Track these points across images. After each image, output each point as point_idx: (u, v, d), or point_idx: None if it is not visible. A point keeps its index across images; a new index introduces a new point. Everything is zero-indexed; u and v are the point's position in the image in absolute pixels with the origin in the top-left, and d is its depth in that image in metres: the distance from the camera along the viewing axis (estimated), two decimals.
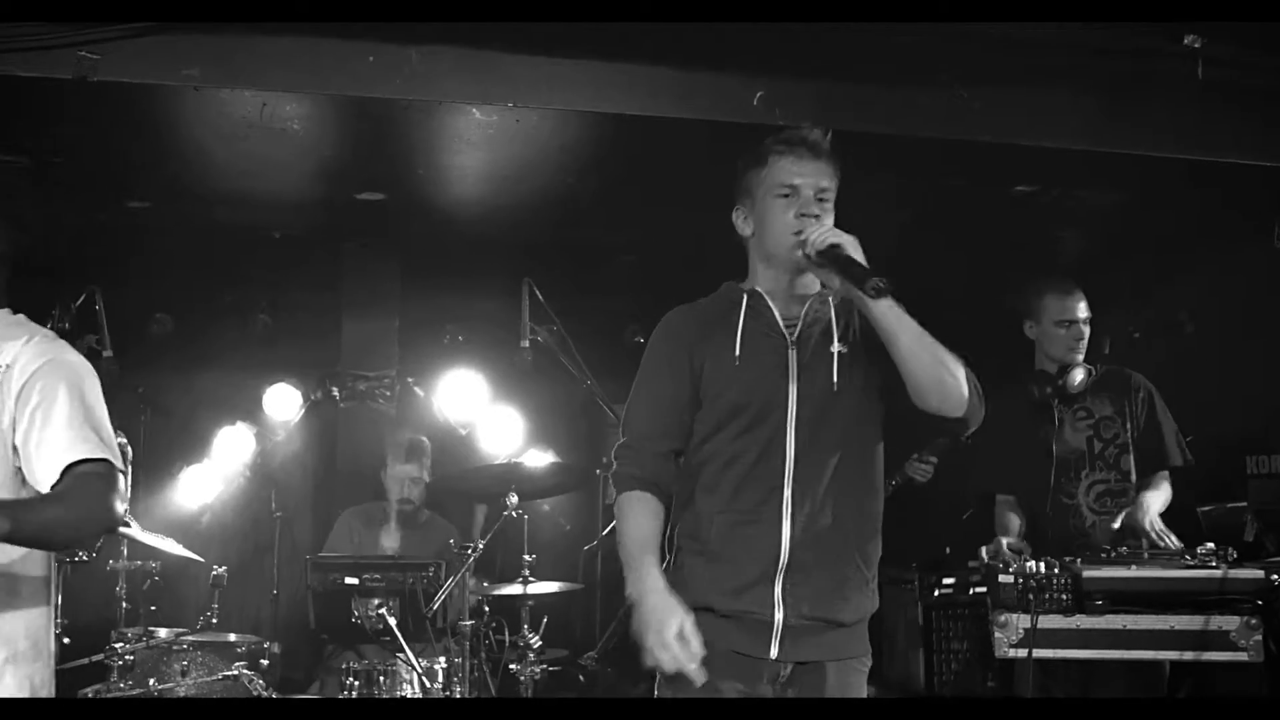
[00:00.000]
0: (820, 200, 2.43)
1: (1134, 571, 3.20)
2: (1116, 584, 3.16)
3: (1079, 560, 3.26)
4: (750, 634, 2.34)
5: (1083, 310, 3.76)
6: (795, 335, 2.44)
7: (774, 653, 2.33)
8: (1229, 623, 3.10)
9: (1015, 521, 3.74)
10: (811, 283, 2.49)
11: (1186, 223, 4.84)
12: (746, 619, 2.34)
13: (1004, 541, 3.54)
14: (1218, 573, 3.14)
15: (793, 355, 2.42)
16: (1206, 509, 3.98)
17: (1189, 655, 3.14)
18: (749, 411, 2.38)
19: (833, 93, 4.01)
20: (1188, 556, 3.23)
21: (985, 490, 3.89)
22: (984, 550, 3.54)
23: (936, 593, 5.34)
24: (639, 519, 2.40)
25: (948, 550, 5.02)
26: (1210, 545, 3.23)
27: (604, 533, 4.72)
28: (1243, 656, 3.10)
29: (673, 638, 2.25)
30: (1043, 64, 4.01)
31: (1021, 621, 3.15)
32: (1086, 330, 3.75)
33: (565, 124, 4.01)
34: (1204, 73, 3.96)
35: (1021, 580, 3.18)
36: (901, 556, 5.81)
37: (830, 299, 2.48)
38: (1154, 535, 3.45)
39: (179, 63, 3.53)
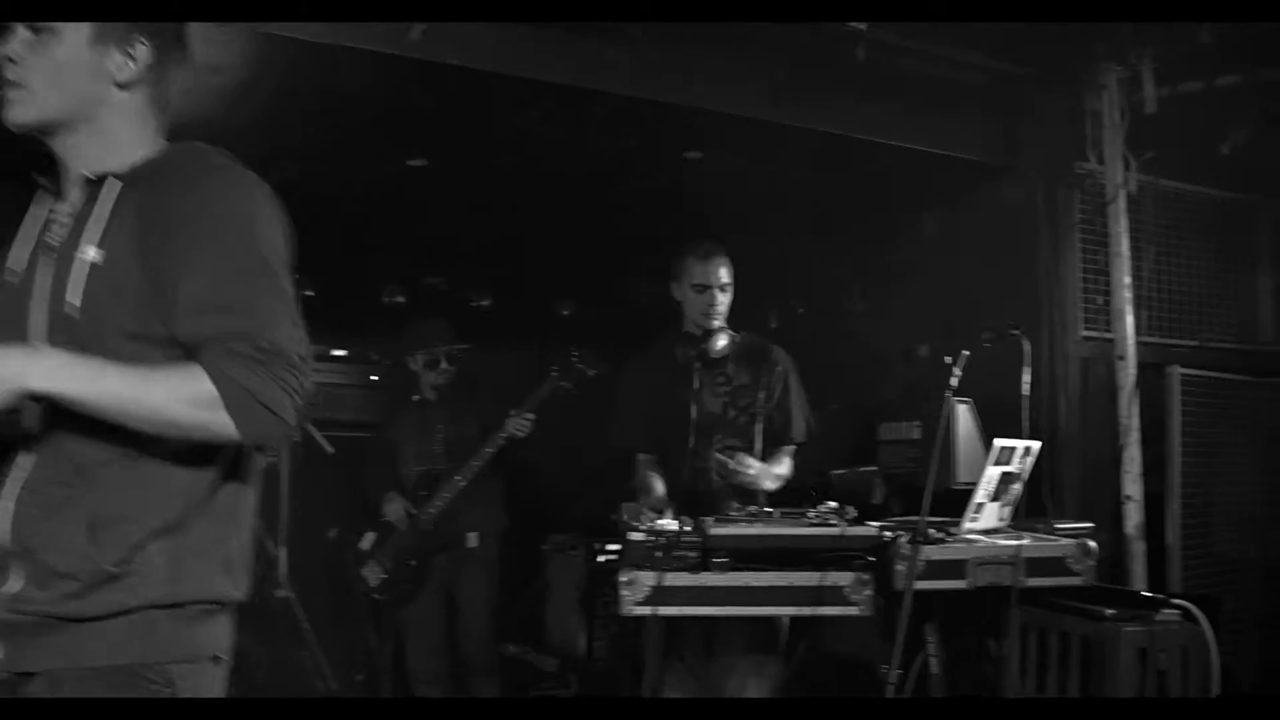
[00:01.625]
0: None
1: (758, 529, 3.28)
2: (741, 541, 3.23)
3: (711, 519, 3.32)
4: None
5: (722, 276, 3.78)
6: (61, 234, 1.84)
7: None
8: (843, 578, 3.22)
9: (657, 481, 3.77)
10: (114, 148, 1.86)
11: (850, 200, 5.07)
12: None
13: (645, 501, 3.56)
14: (836, 530, 3.27)
15: (42, 264, 1.83)
16: (840, 472, 4.16)
17: (806, 610, 3.25)
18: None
19: (507, 36, 3.91)
20: (810, 515, 3.35)
21: (626, 448, 3.91)
22: (623, 509, 3.56)
23: (600, 558, 5.40)
24: None
25: (614, 517, 5.09)
26: (832, 504, 3.35)
27: None
28: (854, 610, 3.23)
29: None
30: (718, 33, 4.07)
31: (649, 579, 3.17)
32: (724, 297, 3.79)
33: None
34: (866, 56, 4.14)
35: (651, 538, 3.21)
36: (570, 524, 5.87)
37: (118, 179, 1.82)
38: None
39: None
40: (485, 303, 6.54)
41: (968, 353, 3.16)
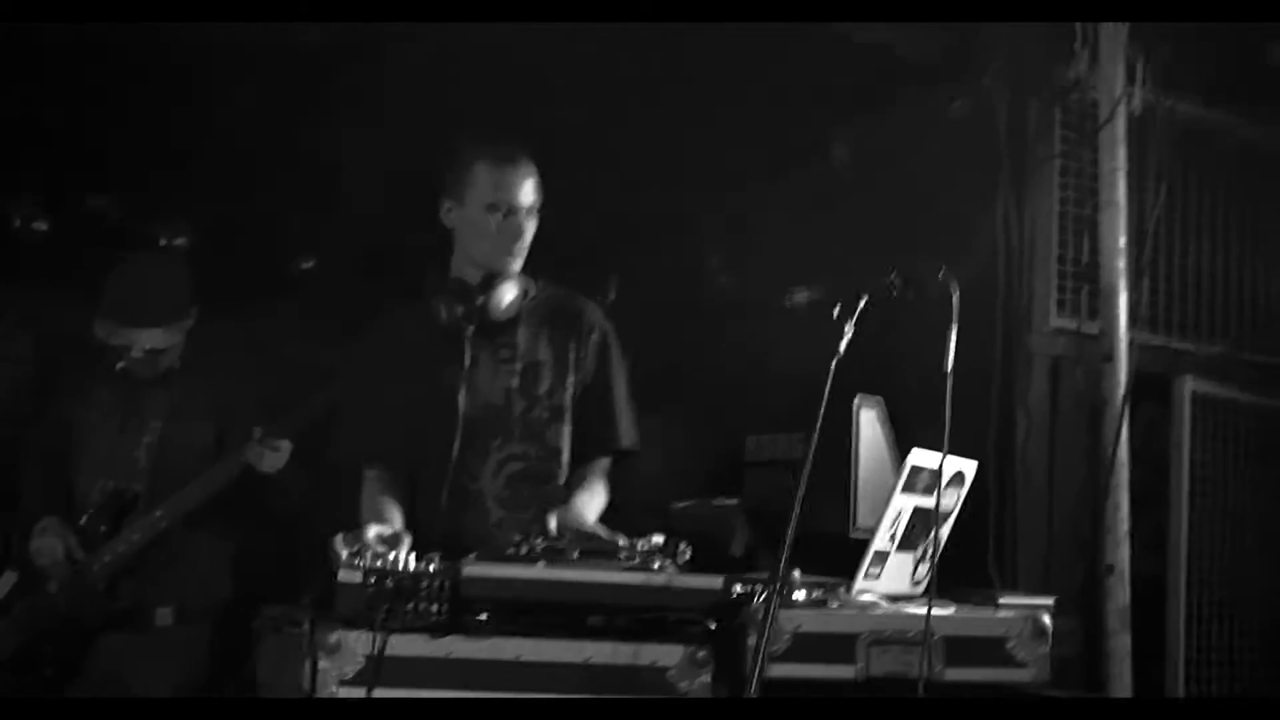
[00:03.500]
0: None
1: (538, 573, 3.09)
2: (510, 589, 3.03)
3: (472, 556, 3.13)
4: None
5: (527, 193, 3.62)
6: None
7: None
8: (668, 655, 3.04)
9: (390, 505, 3.57)
10: None
11: (709, 108, 4.98)
12: None
13: (372, 531, 3.33)
14: (659, 578, 3.09)
15: None
16: (683, 505, 4.04)
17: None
18: None
19: None
20: (621, 554, 3.18)
21: (352, 459, 3.71)
22: (337, 541, 3.32)
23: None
24: None
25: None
26: (656, 539, 3.19)
27: None
28: None
29: None
30: None
31: (362, 644, 2.94)
32: (531, 224, 3.64)
33: None
34: None
35: (373, 581, 2.98)
36: (292, 590, 5.58)
37: None
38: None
39: None
40: (179, 241, 6.25)
41: (866, 297, 3.04)
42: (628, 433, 3.71)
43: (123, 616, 4.30)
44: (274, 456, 4.29)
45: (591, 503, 3.60)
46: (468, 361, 3.55)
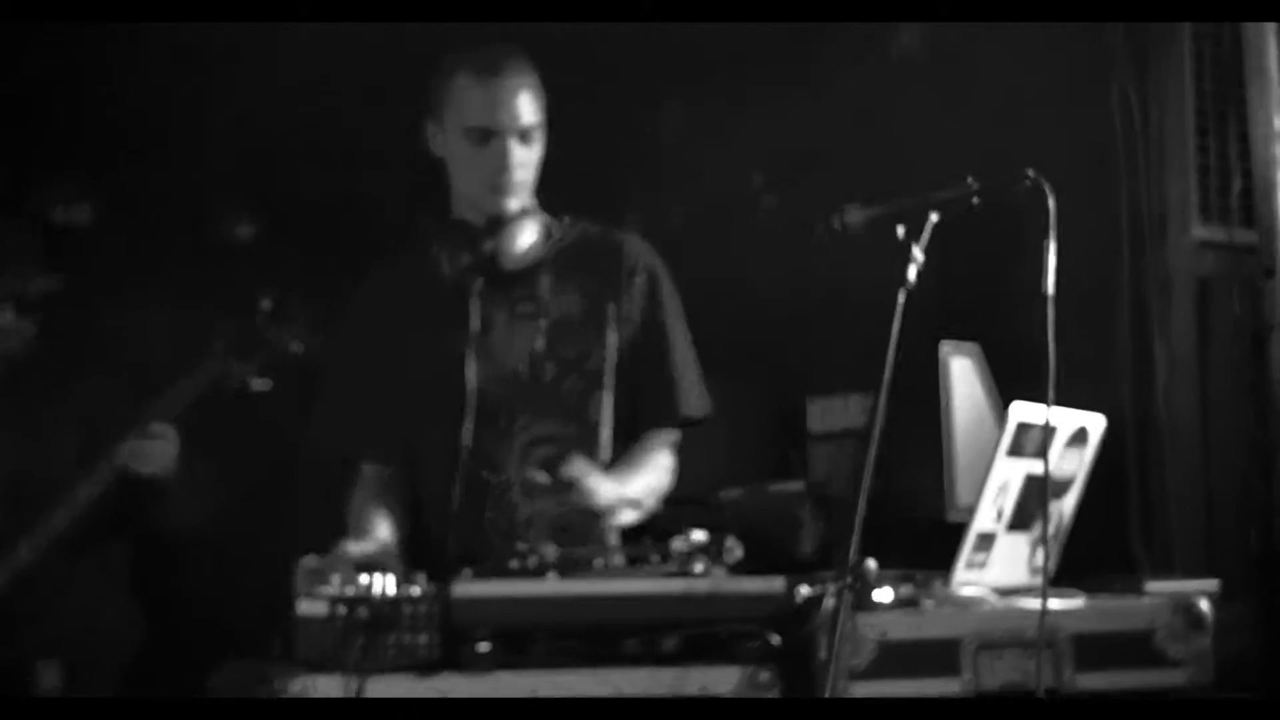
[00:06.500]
0: None
1: (550, 587, 3.15)
2: (516, 610, 3.10)
3: (467, 573, 3.21)
4: None
5: (519, 111, 3.68)
6: None
7: None
8: (720, 679, 3.09)
9: (379, 515, 3.70)
10: None
11: None
12: None
13: (349, 551, 3.43)
14: (703, 585, 3.15)
15: None
16: (733, 494, 4.08)
17: None
18: None
19: None
20: (654, 556, 3.25)
21: (333, 455, 3.83)
22: (304, 565, 3.41)
23: None
24: None
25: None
26: (697, 536, 3.24)
27: None
28: None
29: None
30: None
31: (332, 690, 3.02)
32: (526, 152, 3.71)
33: None
34: None
35: (339, 611, 3.06)
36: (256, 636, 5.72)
37: None
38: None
39: None
40: (81, 219, 6.36)
41: (936, 217, 3.08)
42: (694, 397, 3.78)
43: None
44: (153, 450, 4.39)
45: (628, 488, 3.64)
46: (477, 322, 3.65)
